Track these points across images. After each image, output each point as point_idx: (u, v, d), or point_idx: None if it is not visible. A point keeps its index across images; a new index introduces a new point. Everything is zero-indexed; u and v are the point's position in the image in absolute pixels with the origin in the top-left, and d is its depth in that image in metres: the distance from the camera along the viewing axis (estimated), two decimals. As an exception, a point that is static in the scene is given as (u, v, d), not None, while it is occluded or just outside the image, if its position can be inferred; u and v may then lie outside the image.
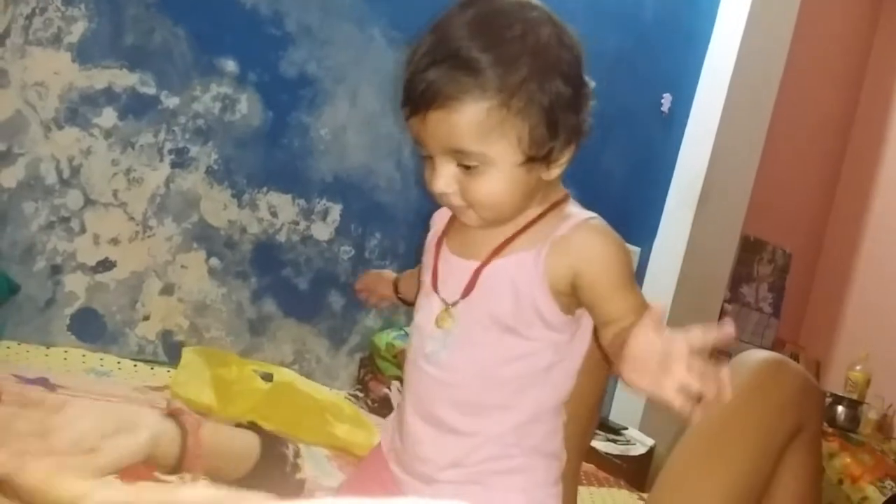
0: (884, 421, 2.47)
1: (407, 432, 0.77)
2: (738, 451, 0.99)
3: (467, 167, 0.71)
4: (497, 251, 0.75)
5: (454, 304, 0.75)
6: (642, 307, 0.70)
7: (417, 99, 0.70)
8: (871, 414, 2.46)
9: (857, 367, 2.52)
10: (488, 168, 0.70)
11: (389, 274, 1.11)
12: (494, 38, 0.69)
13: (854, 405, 2.42)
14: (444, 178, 0.72)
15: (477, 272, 0.74)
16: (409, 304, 0.94)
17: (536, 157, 0.71)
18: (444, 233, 0.81)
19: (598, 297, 0.72)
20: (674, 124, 2.42)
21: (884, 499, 2.08)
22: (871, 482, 2.10)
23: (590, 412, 0.98)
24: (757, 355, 1.08)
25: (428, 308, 0.77)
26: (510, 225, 0.75)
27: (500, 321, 0.73)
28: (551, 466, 0.76)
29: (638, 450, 2.00)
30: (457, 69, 0.68)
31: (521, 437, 0.74)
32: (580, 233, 0.73)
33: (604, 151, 2.25)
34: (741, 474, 0.98)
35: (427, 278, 0.79)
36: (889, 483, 2.09)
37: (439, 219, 0.84)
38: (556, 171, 0.75)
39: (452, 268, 0.77)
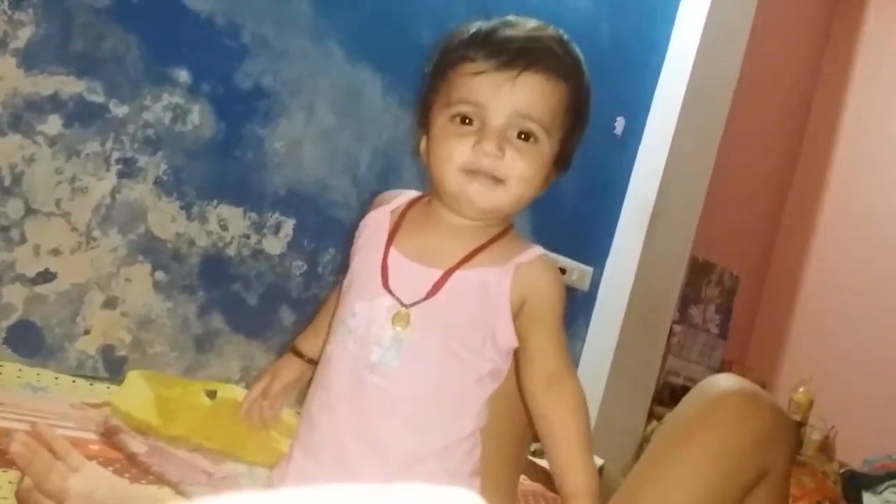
0: (826, 442, 2.53)
1: (326, 454, 0.73)
2: (686, 493, 0.92)
3: (523, 138, 0.73)
4: (466, 259, 0.73)
5: (413, 304, 0.72)
6: (564, 349, 0.77)
7: (521, 55, 0.72)
8: (814, 435, 2.52)
9: (801, 389, 2.59)
10: (538, 148, 0.74)
11: (275, 369, 0.92)
12: (572, 48, 0.79)
13: (798, 427, 2.48)
14: (497, 144, 0.72)
15: (446, 276, 0.72)
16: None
17: (555, 163, 0.77)
18: (391, 237, 0.77)
19: (535, 327, 0.75)
20: (626, 146, 2.46)
21: None
22: None
23: (521, 433, 0.97)
24: (723, 383, 0.98)
25: (371, 311, 0.73)
26: (472, 239, 0.75)
27: (456, 332, 0.72)
28: (472, 485, 0.75)
29: (587, 469, 2.00)
30: (565, 51, 0.76)
31: (445, 459, 0.73)
32: (539, 265, 0.76)
33: (558, 172, 2.28)
34: None
35: (373, 279, 0.74)
36: None
37: (374, 222, 0.79)
38: (543, 189, 0.79)
39: (407, 272, 0.74)
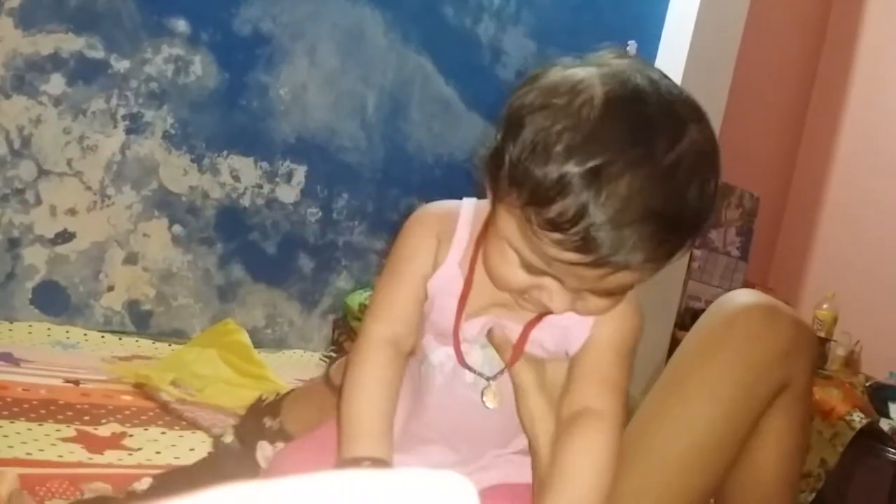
0: (851, 357, 2.52)
1: (423, 451, 0.72)
2: (707, 407, 0.90)
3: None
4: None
5: (495, 376, 0.67)
6: (615, 389, 0.65)
7: (607, 260, 0.55)
8: (838, 350, 2.51)
9: (824, 306, 2.57)
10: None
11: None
12: (700, 185, 0.57)
13: (822, 342, 2.47)
14: (569, 304, 0.60)
15: (521, 342, 0.66)
16: None
17: None
18: (461, 304, 0.67)
19: (591, 354, 0.67)
20: (639, 71, 2.40)
21: (853, 432, 2.13)
22: (840, 417, 2.15)
23: None
24: (742, 298, 0.95)
25: (455, 375, 0.69)
26: None
27: (542, 373, 0.69)
28: None
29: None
30: (670, 234, 0.56)
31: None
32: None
33: (570, 101, 2.23)
34: (710, 430, 0.91)
35: (450, 352, 0.68)
36: (857, 415, 2.14)
37: (446, 279, 0.67)
38: None
39: (482, 344, 0.68)
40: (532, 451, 0.69)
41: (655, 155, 0.54)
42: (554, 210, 0.54)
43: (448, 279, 0.67)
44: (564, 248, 0.55)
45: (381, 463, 0.61)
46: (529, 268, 0.59)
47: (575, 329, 0.65)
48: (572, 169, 0.53)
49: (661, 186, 0.54)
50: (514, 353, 0.66)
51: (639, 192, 0.53)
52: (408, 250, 0.68)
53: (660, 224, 0.54)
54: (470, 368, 0.67)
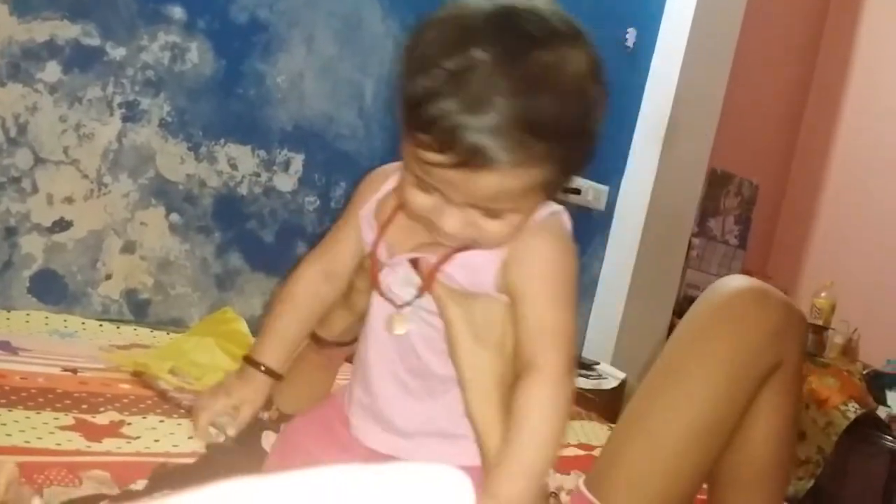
0: (848, 345, 2.53)
1: (372, 390, 0.73)
2: (703, 388, 0.95)
3: (490, 215, 0.62)
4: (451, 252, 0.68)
5: (404, 305, 0.70)
6: (554, 334, 0.65)
7: (468, 155, 0.56)
8: (836, 339, 2.52)
9: (823, 295, 2.58)
10: (512, 214, 0.63)
11: (234, 391, 0.72)
12: (565, 92, 0.58)
13: (820, 331, 2.48)
14: (461, 224, 0.62)
15: (441, 260, 0.68)
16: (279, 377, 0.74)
17: (556, 186, 0.66)
18: (381, 232, 0.71)
19: (519, 297, 0.67)
20: (638, 59, 2.39)
21: (847, 422, 2.14)
22: (835, 406, 2.16)
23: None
24: (734, 283, 0.99)
25: (378, 304, 0.72)
26: None
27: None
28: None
29: (609, 383, 2.04)
30: (530, 134, 0.56)
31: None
32: (532, 233, 0.69)
33: (568, 89, 2.22)
34: (706, 410, 0.95)
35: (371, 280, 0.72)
36: (852, 405, 2.16)
37: (365, 216, 0.72)
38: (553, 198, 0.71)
39: (400, 268, 0.70)
40: (462, 395, 0.69)
41: (520, 62, 0.57)
42: (422, 113, 0.57)
43: (365, 215, 0.72)
44: (432, 149, 0.57)
45: (270, 371, 0.72)
46: (420, 184, 0.61)
47: (485, 267, 0.67)
48: (440, 72, 0.57)
49: (521, 91, 0.56)
50: (426, 279, 0.69)
51: (499, 94, 0.56)
52: (358, 200, 0.73)
53: (517, 126, 0.56)
54: (384, 295, 0.70)
